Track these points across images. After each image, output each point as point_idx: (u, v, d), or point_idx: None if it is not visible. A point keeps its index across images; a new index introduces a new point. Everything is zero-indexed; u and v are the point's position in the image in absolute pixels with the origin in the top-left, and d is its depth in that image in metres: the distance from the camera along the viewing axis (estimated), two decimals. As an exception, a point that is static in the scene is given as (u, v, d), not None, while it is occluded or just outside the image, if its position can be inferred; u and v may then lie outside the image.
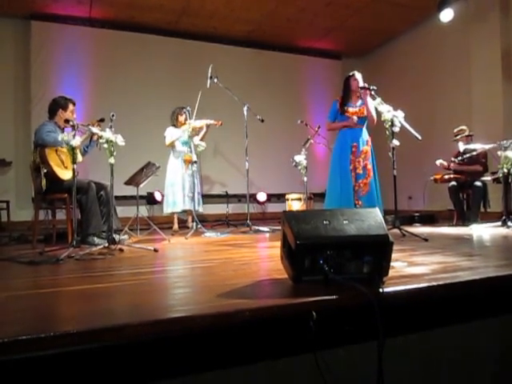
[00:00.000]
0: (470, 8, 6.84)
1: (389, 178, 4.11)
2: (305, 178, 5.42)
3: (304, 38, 8.69)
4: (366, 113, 4.50)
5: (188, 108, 5.44)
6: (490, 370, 1.89)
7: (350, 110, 4.53)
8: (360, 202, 4.35)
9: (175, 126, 5.68)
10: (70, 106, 4.14)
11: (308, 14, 7.48)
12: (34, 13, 7.08)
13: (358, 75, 4.56)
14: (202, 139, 5.51)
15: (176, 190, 5.54)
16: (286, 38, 8.59)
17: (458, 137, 5.74)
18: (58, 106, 4.10)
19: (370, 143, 4.55)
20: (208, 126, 5.69)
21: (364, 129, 4.59)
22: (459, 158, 5.56)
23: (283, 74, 8.84)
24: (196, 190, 5.49)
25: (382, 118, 3.97)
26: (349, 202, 4.33)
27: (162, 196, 6.95)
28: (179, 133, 5.56)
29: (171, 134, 5.63)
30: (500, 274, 1.92)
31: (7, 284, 2.22)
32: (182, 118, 5.63)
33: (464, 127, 5.79)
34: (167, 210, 5.65)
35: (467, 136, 5.72)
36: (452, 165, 5.67)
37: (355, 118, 4.48)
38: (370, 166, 4.46)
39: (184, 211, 5.73)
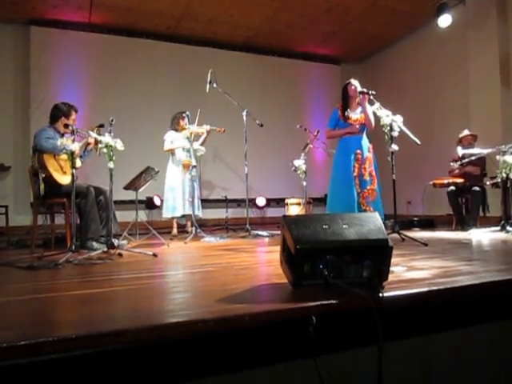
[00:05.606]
0: (468, 14, 6.87)
1: (388, 183, 4.11)
2: (304, 183, 5.41)
3: (303, 44, 8.72)
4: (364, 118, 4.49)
5: (187, 112, 5.48)
6: (489, 375, 1.88)
7: (352, 117, 4.53)
8: (370, 208, 4.31)
9: (176, 130, 5.71)
10: (73, 114, 4.11)
11: (307, 19, 7.52)
12: (33, 18, 7.10)
13: (355, 81, 4.56)
14: (202, 144, 5.56)
15: (176, 195, 5.55)
16: (285, 43, 8.62)
17: (463, 134, 5.73)
18: (60, 112, 4.07)
19: (371, 150, 4.55)
20: (208, 132, 5.72)
21: (364, 136, 4.58)
22: (458, 163, 5.57)
23: (282, 79, 8.87)
24: (196, 194, 5.49)
25: (381, 123, 3.97)
26: (352, 209, 4.29)
27: (161, 201, 6.96)
28: (180, 140, 5.57)
29: (171, 138, 5.66)
30: (500, 278, 1.92)
31: (6, 289, 2.21)
32: (183, 123, 5.65)
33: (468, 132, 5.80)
34: (167, 214, 5.66)
35: (472, 135, 5.73)
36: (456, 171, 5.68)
37: (357, 125, 4.49)
38: (374, 173, 4.46)
39: (183, 216, 5.74)
